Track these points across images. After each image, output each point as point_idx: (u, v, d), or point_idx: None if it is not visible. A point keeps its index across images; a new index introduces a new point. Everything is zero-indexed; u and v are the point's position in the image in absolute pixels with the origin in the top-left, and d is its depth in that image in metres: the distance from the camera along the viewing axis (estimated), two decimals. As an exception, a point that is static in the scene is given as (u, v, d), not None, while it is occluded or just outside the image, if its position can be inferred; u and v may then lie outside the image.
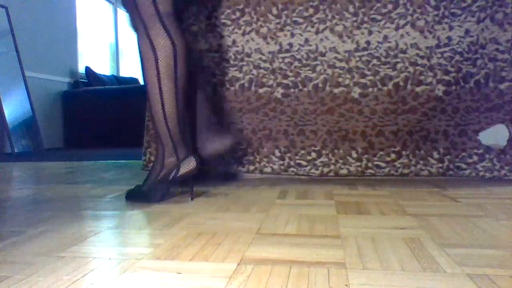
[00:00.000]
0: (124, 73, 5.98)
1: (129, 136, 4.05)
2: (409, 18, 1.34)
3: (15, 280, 0.55)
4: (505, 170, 1.30)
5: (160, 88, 1.05)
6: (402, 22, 1.34)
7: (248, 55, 1.43)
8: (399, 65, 1.35)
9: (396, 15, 1.35)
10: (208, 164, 1.31)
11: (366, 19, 1.36)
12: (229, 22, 1.45)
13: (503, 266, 0.56)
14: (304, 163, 1.42)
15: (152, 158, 1.50)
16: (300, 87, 1.41)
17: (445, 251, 0.63)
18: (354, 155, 1.39)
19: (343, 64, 1.38)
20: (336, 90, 1.39)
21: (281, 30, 1.41)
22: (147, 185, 1.10)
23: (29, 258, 0.63)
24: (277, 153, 1.44)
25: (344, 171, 1.40)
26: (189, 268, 0.58)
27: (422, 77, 1.34)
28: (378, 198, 1.08)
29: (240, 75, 1.44)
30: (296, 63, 1.41)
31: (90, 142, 4.30)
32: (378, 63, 1.36)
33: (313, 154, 1.41)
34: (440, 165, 1.34)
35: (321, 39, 1.39)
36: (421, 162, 1.35)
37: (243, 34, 1.44)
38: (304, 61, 1.40)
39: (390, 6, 1.35)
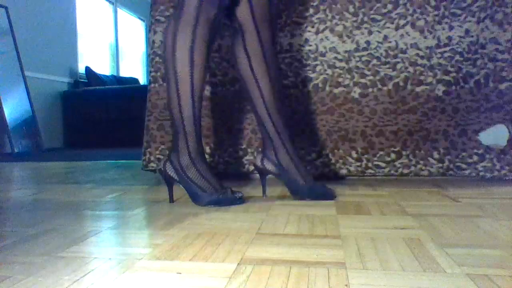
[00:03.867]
0: (124, 73, 5.98)
1: (129, 136, 4.05)
2: (409, 18, 1.34)
3: (15, 280, 0.55)
4: (505, 170, 1.30)
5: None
6: (402, 22, 1.34)
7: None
8: (399, 65, 1.35)
9: (396, 15, 1.35)
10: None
11: (366, 19, 1.37)
12: (229, 22, 1.44)
13: (503, 266, 0.56)
14: (303, 162, 1.42)
15: (152, 158, 1.50)
16: (300, 87, 1.41)
17: (445, 251, 0.63)
18: (354, 155, 1.39)
19: (343, 64, 1.38)
20: (336, 90, 1.39)
21: (281, 30, 1.41)
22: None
23: (29, 258, 0.63)
24: (277, 153, 1.44)
25: (344, 171, 1.40)
26: (189, 268, 0.58)
27: (422, 77, 1.34)
28: (378, 198, 1.08)
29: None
30: (296, 63, 1.41)
31: (90, 142, 4.30)
32: (378, 63, 1.36)
33: (313, 155, 1.41)
34: (440, 165, 1.34)
35: (321, 39, 1.39)
36: (421, 162, 1.35)
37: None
38: (304, 61, 1.40)
39: (390, 6, 1.35)
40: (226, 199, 1.03)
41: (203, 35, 1.00)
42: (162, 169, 1.06)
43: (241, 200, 1.04)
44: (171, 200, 1.09)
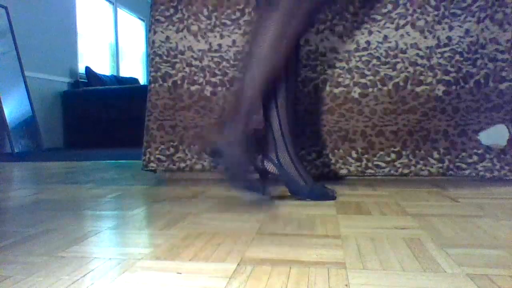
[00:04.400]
0: (124, 73, 5.98)
1: (129, 136, 4.05)
2: (409, 18, 1.34)
3: (15, 280, 0.55)
4: (505, 170, 1.30)
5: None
6: (402, 22, 1.34)
7: (248, 55, 1.43)
8: (399, 65, 1.35)
9: (396, 15, 1.35)
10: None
11: (366, 19, 1.36)
12: (229, 22, 1.45)
13: (503, 266, 0.56)
14: (304, 163, 1.42)
15: (152, 158, 1.50)
16: (300, 87, 1.41)
17: (445, 251, 0.63)
18: (354, 155, 1.39)
19: (343, 64, 1.38)
20: (336, 90, 1.39)
21: (281, 30, 1.41)
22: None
23: (29, 258, 0.63)
24: (277, 153, 1.44)
25: (344, 171, 1.40)
26: (189, 268, 0.58)
27: (422, 77, 1.34)
28: (378, 198, 1.08)
29: (241, 75, 1.44)
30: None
31: (90, 142, 4.30)
32: (378, 63, 1.36)
33: (313, 155, 1.41)
34: (440, 165, 1.34)
35: (322, 39, 1.39)
36: (421, 162, 1.35)
37: (243, 34, 1.44)
38: (304, 61, 1.40)
39: (390, 6, 1.35)
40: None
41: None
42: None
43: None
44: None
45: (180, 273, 0.56)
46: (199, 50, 1.47)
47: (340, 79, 1.38)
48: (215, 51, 1.46)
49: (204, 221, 0.86)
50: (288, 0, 0.98)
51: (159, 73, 1.50)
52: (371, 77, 1.37)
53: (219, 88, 1.46)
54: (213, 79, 1.46)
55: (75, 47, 4.73)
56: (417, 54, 1.34)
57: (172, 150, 1.50)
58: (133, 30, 6.42)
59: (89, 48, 5.16)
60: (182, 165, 1.49)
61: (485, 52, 1.30)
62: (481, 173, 1.32)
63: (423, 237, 0.71)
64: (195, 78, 1.47)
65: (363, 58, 1.37)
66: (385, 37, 1.35)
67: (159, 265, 0.59)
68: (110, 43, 5.70)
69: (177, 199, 1.13)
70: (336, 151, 1.40)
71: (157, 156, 1.50)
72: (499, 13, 1.29)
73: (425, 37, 1.33)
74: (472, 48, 1.31)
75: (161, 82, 1.49)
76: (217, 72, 1.46)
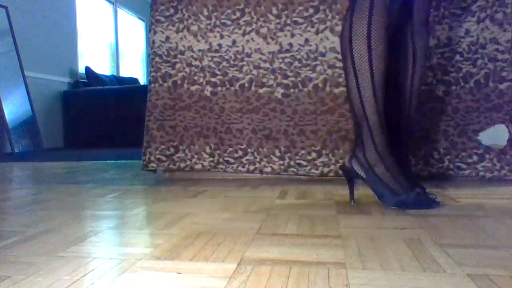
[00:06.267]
0: (124, 73, 5.98)
1: (129, 136, 4.05)
2: (409, 18, 1.34)
3: (15, 280, 0.55)
4: (505, 170, 1.30)
5: None
6: (402, 22, 1.34)
7: (248, 55, 1.43)
8: (399, 65, 1.35)
9: (396, 15, 1.35)
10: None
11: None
12: (229, 22, 1.45)
13: (503, 266, 0.56)
14: (304, 163, 1.42)
15: (152, 158, 1.50)
16: (300, 87, 1.41)
17: (445, 251, 0.63)
18: (354, 155, 1.39)
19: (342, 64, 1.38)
20: (336, 90, 1.39)
21: (281, 30, 1.41)
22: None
23: (29, 258, 0.63)
24: (277, 153, 1.44)
25: (344, 171, 1.40)
26: (189, 268, 0.58)
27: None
28: (377, 198, 1.08)
29: (240, 75, 1.44)
30: (296, 63, 1.40)
31: (90, 142, 4.29)
32: (378, 63, 1.36)
33: (313, 154, 1.41)
34: (440, 165, 1.34)
35: (321, 39, 1.39)
36: (421, 162, 1.35)
37: (243, 34, 1.44)
38: (304, 61, 1.40)
39: (390, 6, 1.35)
40: (417, 200, 0.94)
41: (380, 21, 0.93)
42: (348, 165, 0.99)
43: (437, 204, 0.94)
44: (352, 199, 1.01)
45: (180, 273, 0.56)
46: (199, 50, 1.47)
47: (340, 79, 1.38)
48: (215, 51, 1.46)
49: (204, 221, 0.86)
50: None
51: (159, 73, 1.50)
52: (371, 77, 1.37)
53: (219, 88, 1.46)
54: (213, 79, 1.46)
55: (75, 47, 4.72)
56: (417, 54, 1.34)
57: (172, 150, 1.50)
58: (133, 30, 6.42)
59: (89, 48, 5.16)
60: (182, 165, 1.49)
61: (485, 52, 1.30)
62: (481, 173, 1.32)
63: (423, 237, 0.71)
64: (195, 78, 1.47)
65: (363, 58, 1.37)
66: (385, 37, 1.35)
67: (159, 265, 0.59)
68: (110, 43, 5.70)
69: (177, 199, 1.13)
70: (336, 151, 1.40)
71: (157, 156, 1.50)
72: (499, 13, 1.29)
73: (425, 37, 1.33)
74: (472, 48, 1.31)
75: (161, 82, 1.49)
76: (217, 72, 1.46)
